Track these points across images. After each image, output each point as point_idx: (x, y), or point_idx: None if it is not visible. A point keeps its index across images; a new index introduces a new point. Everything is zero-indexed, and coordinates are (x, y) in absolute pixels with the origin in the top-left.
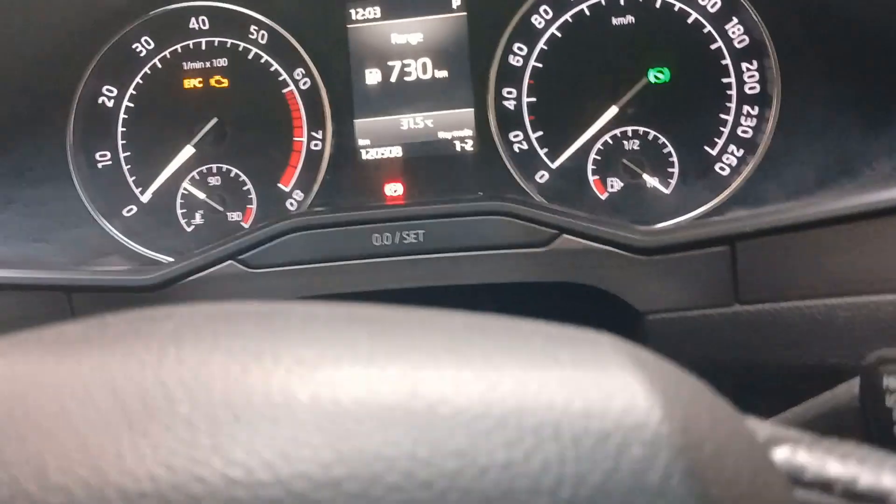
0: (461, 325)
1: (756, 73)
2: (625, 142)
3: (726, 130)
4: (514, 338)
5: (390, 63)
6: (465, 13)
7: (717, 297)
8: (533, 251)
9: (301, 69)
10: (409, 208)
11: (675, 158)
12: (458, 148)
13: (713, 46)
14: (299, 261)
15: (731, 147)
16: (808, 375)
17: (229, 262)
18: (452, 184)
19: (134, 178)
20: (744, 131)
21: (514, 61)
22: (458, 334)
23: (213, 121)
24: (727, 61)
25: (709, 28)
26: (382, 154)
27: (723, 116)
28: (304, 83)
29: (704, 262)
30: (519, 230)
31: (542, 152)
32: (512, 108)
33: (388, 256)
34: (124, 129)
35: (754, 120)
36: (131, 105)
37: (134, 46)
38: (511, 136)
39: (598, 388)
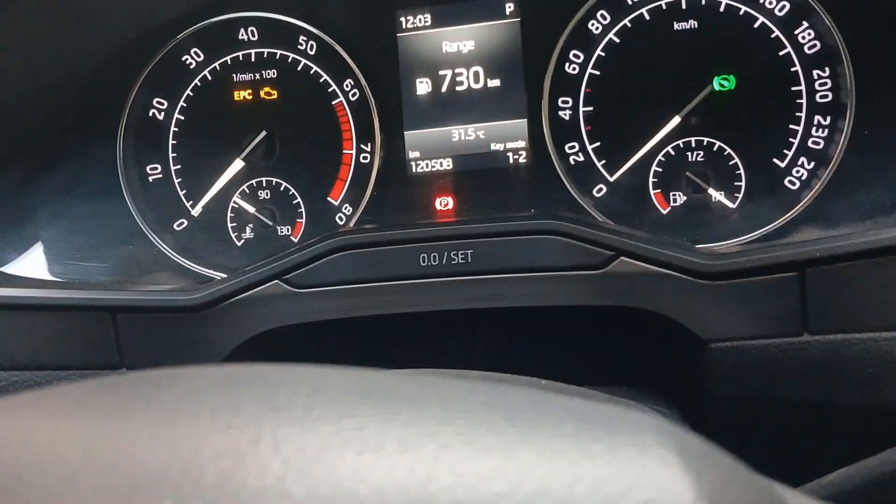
0: (482, 403)
1: (828, 81)
2: (688, 153)
3: (796, 142)
4: (543, 421)
5: (441, 72)
6: (518, 19)
7: (785, 326)
8: (588, 273)
9: (350, 80)
10: (456, 227)
11: (741, 171)
12: (510, 160)
13: (782, 52)
14: (345, 280)
15: (802, 159)
16: (885, 418)
17: (275, 281)
18: (505, 198)
19: (185, 191)
20: (814, 143)
21: (570, 69)
22: (479, 417)
23: (263, 134)
24: (797, 68)
25: (777, 33)
26: (433, 167)
27: (792, 127)
28: (353, 94)
29: (772, 289)
30: (573, 251)
31: (599, 164)
32: (567, 118)
33: (436, 277)
34: (175, 142)
35: (826, 131)
36: (182, 118)
37: (184, 58)
38: (567, 147)
39: (631, 494)
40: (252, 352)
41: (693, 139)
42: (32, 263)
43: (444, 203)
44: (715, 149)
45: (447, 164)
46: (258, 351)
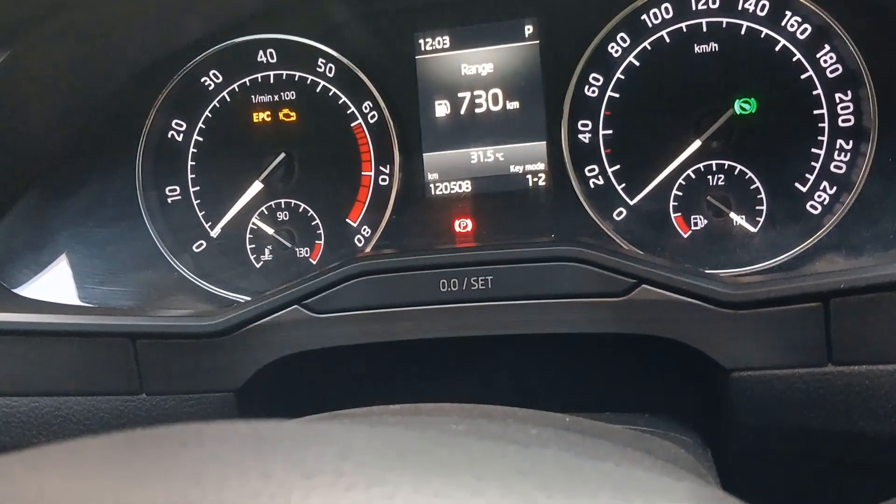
0: (515, 471)
1: (850, 105)
2: (709, 177)
3: (818, 166)
4: (578, 491)
5: (460, 94)
6: (537, 41)
7: (809, 356)
8: (610, 301)
9: (369, 102)
10: (476, 253)
11: (763, 195)
12: (530, 183)
13: (803, 76)
14: (365, 306)
15: (824, 184)
16: None
17: (294, 307)
18: (524, 221)
19: (203, 213)
20: (837, 167)
21: (590, 92)
22: (513, 487)
23: (282, 156)
24: (819, 91)
25: (798, 56)
26: (451, 189)
27: (814, 151)
28: (372, 116)
29: (796, 319)
30: (594, 278)
31: (619, 188)
32: (587, 140)
33: (456, 303)
34: (194, 164)
35: (848, 155)
36: (201, 139)
37: (203, 80)
38: (586, 170)
39: None
40: (272, 377)
41: (714, 163)
42: (52, 288)
43: (464, 226)
44: (736, 172)
45: (466, 186)
46: (278, 376)
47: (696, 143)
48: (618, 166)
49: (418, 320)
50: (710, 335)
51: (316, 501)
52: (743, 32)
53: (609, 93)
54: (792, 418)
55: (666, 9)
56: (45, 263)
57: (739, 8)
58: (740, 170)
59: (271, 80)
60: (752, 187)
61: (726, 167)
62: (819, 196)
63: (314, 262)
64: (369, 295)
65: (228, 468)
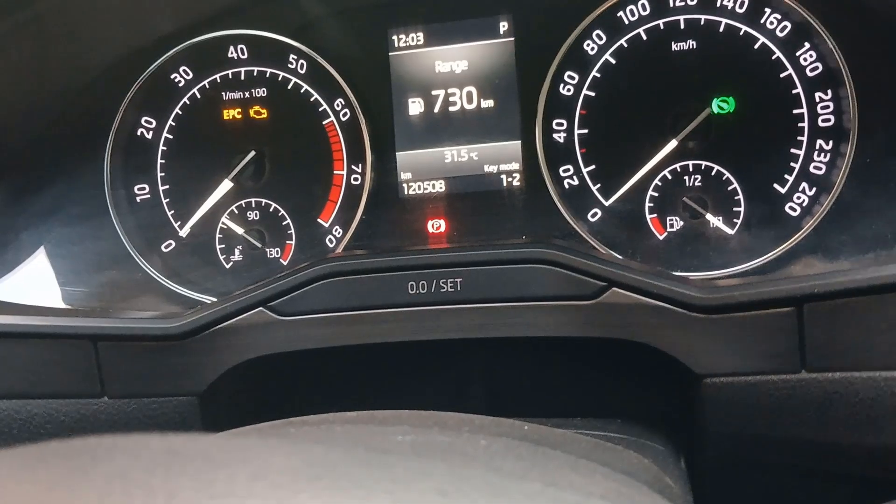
0: (435, 491)
1: (830, 104)
2: (685, 178)
3: (797, 167)
4: None
5: (434, 92)
6: (512, 38)
7: (783, 362)
8: (580, 304)
9: (341, 99)
10: (446, 254)
11: (740, 196)
12: (504, 183)
13: (783, 74)
14: (331, 308)
15: (803, 185)
16: (885, 462)
17: (259, 309)
18: (498, 222)
19: (173, 212)
20: (816, 168)
21: (565, 90)
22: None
23: (251, 154)
24: (798, 90)
25: (778, 54)
26: (425, 189)
27: (794, 151)
28: (344, 114)
29: (768, 324)
30: (564, 281)
31: (594, 188)
32: (562, 140)
33: (424, 305)
34: (163, 162)
35: (828, 156)
36: (170, 137)
37: (173, 77)
38: (561, 170)
39: None
40: (237, 380)
41: (691, 163)
42: (15, 289)
43: (437, 226)
44: (713, 173)
45: (440, 186)
46: (243, 379)
47: (673, 143)
48: (593, 166)
49: (386, 323)
50: (682, 340)
51: None
52: (721, 30)
53: (585, 91)
54: (765, 426)
55: (643, 5)
56: (7, 263)
57: (718, 5)
58: (717, 170)
59: (242, 77)
60: (729, 188)
61: (703, 168)
62: (798, 198)
63: (285, 263)
64: (336, 297)
65: (134, 488)
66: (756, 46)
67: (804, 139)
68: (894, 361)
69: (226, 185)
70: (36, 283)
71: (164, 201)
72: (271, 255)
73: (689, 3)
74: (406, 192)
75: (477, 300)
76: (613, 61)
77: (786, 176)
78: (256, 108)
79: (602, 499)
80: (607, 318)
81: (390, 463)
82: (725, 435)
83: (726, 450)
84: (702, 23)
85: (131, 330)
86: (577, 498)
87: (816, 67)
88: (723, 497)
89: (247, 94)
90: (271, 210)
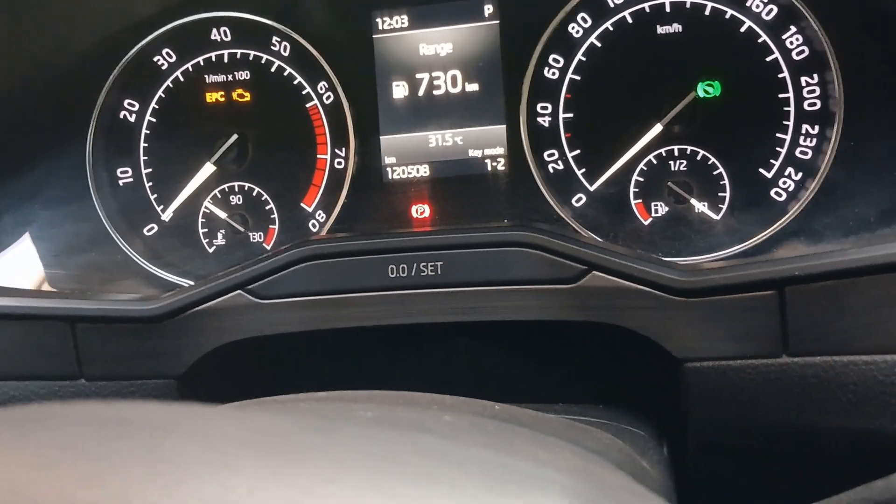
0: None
1: (816, 89)
2: (671, 162)
3: (783, 151)
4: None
5: (418, 75)
6: (497, 21)
7: (764, 346)
8: (560, 288)
9: (324, 82)
10: (427, 237)
11: (726, 181)
12: (489, 167)
13: (769, 58)
14: (310, 292)
15: (789, 170)
16: (868, 446)
17: (237, 292)
18: (483, 206)
19: (155, 195)
20: (802, 152)
21: (550, 74)
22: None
23: (234, 137)
24: (784, 75)
25: (764, 38)
26: (409, 173)
27: (779, 136)
28: (328, 97)
29: (750, 308)
30: (545, 264)
31: (579, 173)
32: (546, 124)
33: (405, 289)
34: (146, 145)
35: (814, 140)
36: (153, 120)
37: (155, 59)
38: (545, 155)
39: None
40: (216, 363)
41: (676, 147)
42: None
43: (420, 211)
44: (699, 158)
45: (424, 170)
46: (223, 362)
47: (658, 128)
48: (577, 151)
49: (366, 307)
50: (662, 324)
51: (151, 488)
52: (707, 13)
53: (570, 75)
54: (746, 411)
55: None
56: None
57: None
58: (703, 155)
59: (225, 60)
60: (714, 173)
61: (689, 152)
62: (784, 182)
63: (268, 248)
64: (315, 280)
65: (74, 454)
66: (742, 30)
67: (790, 123)
68: (875, 345)
69: (208, 169)
70: (16, 265)
71: (147, 185)
72: (254, 239)
73: None
74: (390, 177)
75: (458, 283)
76: (599, 44)
77: (772, 160)
78: (239, 90)
79: (559, 471)
80: (588, 301)
81: (342, 431)
82: (707, 420)
83: (708, 435)
84: (687, 6)
85: (109, 312)
86: (533, 468)
87: (802, 51)
88: (708, 482)
89: (230, 77)
90: (254, 194)
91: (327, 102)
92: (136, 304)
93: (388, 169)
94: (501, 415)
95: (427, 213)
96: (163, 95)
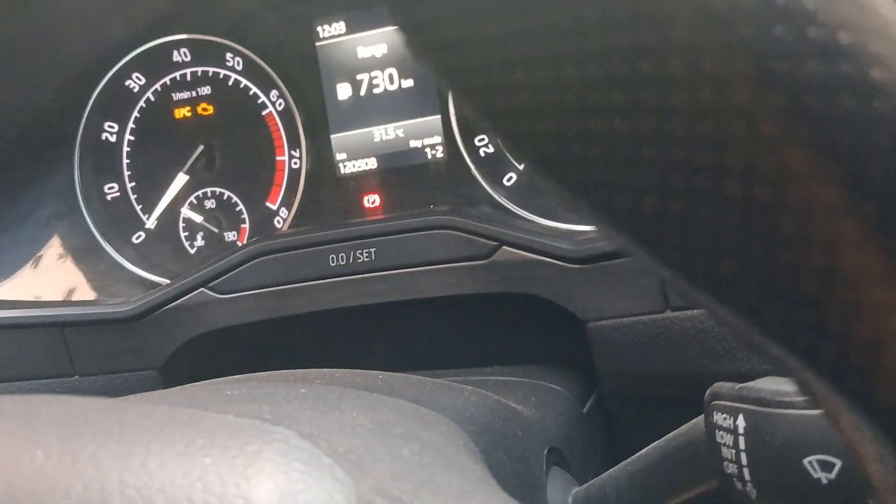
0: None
1: None
2: None
3: None
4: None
5: (359, 76)
6: None
7: (650, 304)
8: (476, 264)
9: (275, 91)
10: (359, 227)
11: None
12: (429, 156)
13: None
14: (263, 285)
15: None
16: None
17: (200, 289)
18: (426, 193)
19: (140, 206)
20: None
21: None
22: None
23: (200, 148)
24: None
25: None
26: (359, 167)
27: None
28: (280, 104)
29: (633, 269)
30: (462, 243)
31: (508, 154)
32: None
33: (344, 276)
34: (128, 161)
35: None
36: (132, 138)
37: (127, 83)
38: (476, 140)
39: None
40: (194, 353)
41: None
42: None
43: (372, 201)
44: None
45: (372, 163)
46: (200, 351)
47: None
48: None
49: (310, 294)
50: (565, 289)
51: None
52: None
53: None
54: (642, 363)
55: None
56: None
57: None
58: None
59: (188, 78)
60: None
61: None
62: None
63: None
64: (266, 274)
65: None
66: None
67: None
68: None
69: (182, 179)
70: (13, 279)
71: (133, 197)
72: (229, 238)
73: None
74: (343, 172)
75: (389, 267)
76: None
77: None
78: (203, 105)
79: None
80: (500, 274)
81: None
82: (612, 373)
83: (618, 388)
84: None
85: (91, 315)
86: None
87: None
88: (631, 432)
89: (194, 94)
90: (225, 197)
91: (280, 109)
92: (116, 307)
93: (341, 164)
94: (397, 383)
95: (378, 203)
96: (138, 115)
